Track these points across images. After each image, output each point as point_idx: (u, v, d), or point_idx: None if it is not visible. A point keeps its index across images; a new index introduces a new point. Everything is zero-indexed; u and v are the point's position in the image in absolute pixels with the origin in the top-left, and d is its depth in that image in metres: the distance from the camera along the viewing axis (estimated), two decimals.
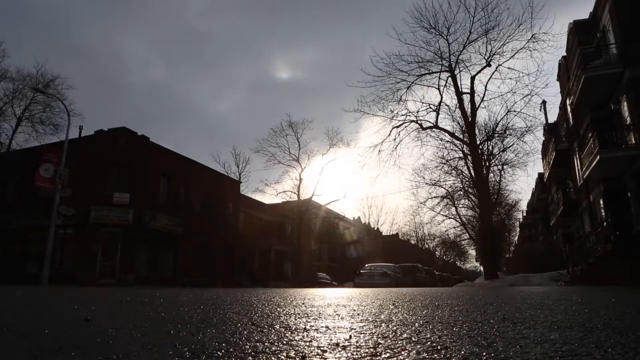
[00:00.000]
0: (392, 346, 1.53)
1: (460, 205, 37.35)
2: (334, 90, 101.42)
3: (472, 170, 26.55)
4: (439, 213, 35.78)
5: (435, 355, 1.36)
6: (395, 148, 23.26)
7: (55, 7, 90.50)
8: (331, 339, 1.71)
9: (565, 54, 23.65)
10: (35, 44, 77.37)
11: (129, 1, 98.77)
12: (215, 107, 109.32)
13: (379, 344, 1.59)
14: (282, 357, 1.36)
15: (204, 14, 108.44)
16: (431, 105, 23.66)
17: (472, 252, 64.59)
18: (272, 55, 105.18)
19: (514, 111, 22.95)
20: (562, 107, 25.80)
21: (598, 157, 15.74)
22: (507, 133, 24.57)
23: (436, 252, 74.38)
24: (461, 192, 34.22)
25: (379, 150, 23.27)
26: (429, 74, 23.22)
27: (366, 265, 21.84)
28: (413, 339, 1.69)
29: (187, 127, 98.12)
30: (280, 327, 2.13)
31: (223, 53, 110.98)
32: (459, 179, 32.18)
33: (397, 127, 23.34)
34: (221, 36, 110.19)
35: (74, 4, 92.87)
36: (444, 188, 32.73)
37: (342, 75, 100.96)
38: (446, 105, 24.72)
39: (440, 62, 22.98)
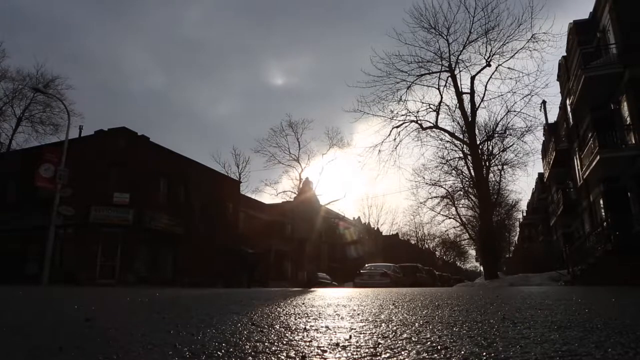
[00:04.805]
0: (392, 346, 1.53)
1: (460, 205, 37.37)
2: (331, 93, 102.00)
3: (472, 170, 26.55)
4: (439, 213, 35.80)
5: (435, 355, 1.36)
6: (395, 148, 23.29)
7: (55, 15, 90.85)
8: (331, 339, 1.71)
9: (565, 54, 23.65)
10: (35, 51, 77.82)
11: (127, 11, 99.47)
12: (214, 111, 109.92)
13: (379, 344, 1.59)
14: (282, 357, 1.36)
15: (200, 22, 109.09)
16: (431, 105, 23.68)
17: (472, 252, 64.58)
18: (269, 61, 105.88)
19: (514, 111, 22.98)
20: (562, 107, 25.80)
21: (598, 157, 15.74)
22: (507, 133, 24.60)
23: (436, 252, 74.34)
24: (461, 192, 34.23)
25: (379, 151, 23.31)
26: (429, 74, 23.25)
27: (366, 265, 21.83)
28: (413, 339, 1.69)
29: (186, 131, 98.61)
30: (280, 327, 2.13)
31: (220, 60, 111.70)
32: (459, 179, 32.20)
33: (397, 127, 23.38)
34: (217, 44, 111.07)
35: (73, 13, 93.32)
36: (444, 188, 32.74)
37: (339, 78, 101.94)
38: (446, 105, 24.71)
39: (440, 62, 23.01)
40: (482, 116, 60.30)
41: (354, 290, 9.71)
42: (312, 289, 7.51)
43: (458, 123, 25.11)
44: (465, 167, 28.90)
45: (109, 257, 22.25)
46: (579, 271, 15.35)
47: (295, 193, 38.29)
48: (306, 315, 2.71)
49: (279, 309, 3.20)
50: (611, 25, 16.75)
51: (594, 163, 16.32)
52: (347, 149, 37.96)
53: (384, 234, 63.15)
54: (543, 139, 31.27)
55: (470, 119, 22.52)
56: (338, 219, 50.57)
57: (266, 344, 1.59)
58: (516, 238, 60.74)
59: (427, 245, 70.74)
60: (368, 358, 1.34)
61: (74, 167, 19.16)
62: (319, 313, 2.85)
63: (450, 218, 38.63)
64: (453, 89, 22.96)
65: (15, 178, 25.25)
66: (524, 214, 53.36)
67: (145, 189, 24.34)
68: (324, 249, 48.71)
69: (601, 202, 18.93)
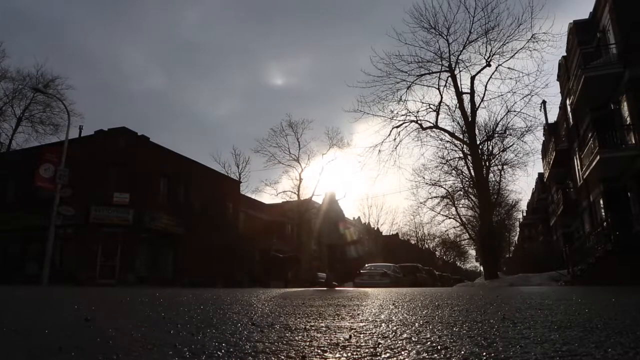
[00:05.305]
0: (392, 346, 1.53)
1: (460, 205, 37.34)
2: (331, 93, 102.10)
3: (472, 170, 26.52)
4: (439, 213, 35.76)
5: (435, 355, 1.36)
6: (395, 148, 23.26)
7: (55, 15, 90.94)
8: (331, 339, 1.71)
9: (565, 54, 23.64)
10: (35, 51, 77.93)
11: (127, 11, 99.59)
12: (214, 111, 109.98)
13: (379, 344, 1.59)
14: (282, 357, 1.36)
15: (200, 23, 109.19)
16: (431, 105, 23.65)
17: (472, 252, 64.52)
18: (268, 61, 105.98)
19: (514, 111, 22.94)
20: (562, 107, 25.79)
21: (598, 157, 15.74)
22: (507, 133, 24.56)
23: (436, 252, 74.30)
24: (461, 192, 34.21)
25: (379, 151, 23.27)
26: (429, 74, 23.23)
27: (366, 265, 21.80)
28: (413, 339, 1.69)
29: (186, 131, 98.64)
30: (280, 327, 2.13)
31: (220, 60, 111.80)
32: (459, 179, 32.17)
33: (397, 127, 23.35)
34: (217, 44, 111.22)
35: (73, 13, 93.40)
36: (444, 188, 32.72)
37: (339, 78, 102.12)
38: (446, 105, 24.67)
39: (440, 62, 22.98)
40: (482, 116, 60.17)
41: (354, 290, 9.72)
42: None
43: (458, 123, 25.11)
44: (465, 167, 28.89)
45: (109, 257, 22.25)
46: (579, 271, 15.35)
47: (295, 193, 38.31)
48: (306, 315, 2.71)
49: (279, 309, 3.20)
50: (611, 25, 16.75)
51: (594, 163, 16.31)
52: (347, 149, 37.86)
53: (384, 234, 63.08)
54: (543, 139, 31.27)
55: (470, 119, 22.50)
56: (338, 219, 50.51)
57: (266, 343, 1.59)
58: (516, 238, 60.78)
59: (427, 245, 70.71)
60: (368, 358, 1.34)
61: (74, 167, 19.15)
62: (319, 313, 2.85)
63: (450, 218, 38.64)
64: (453, 89, 22.95)
65: (15, 178, 25.25)
66: (524, 214, 53.37)
67: (145, 189, 24.34)
68: (324, 249, 48.69)
69: (601, 202, 18.92)
